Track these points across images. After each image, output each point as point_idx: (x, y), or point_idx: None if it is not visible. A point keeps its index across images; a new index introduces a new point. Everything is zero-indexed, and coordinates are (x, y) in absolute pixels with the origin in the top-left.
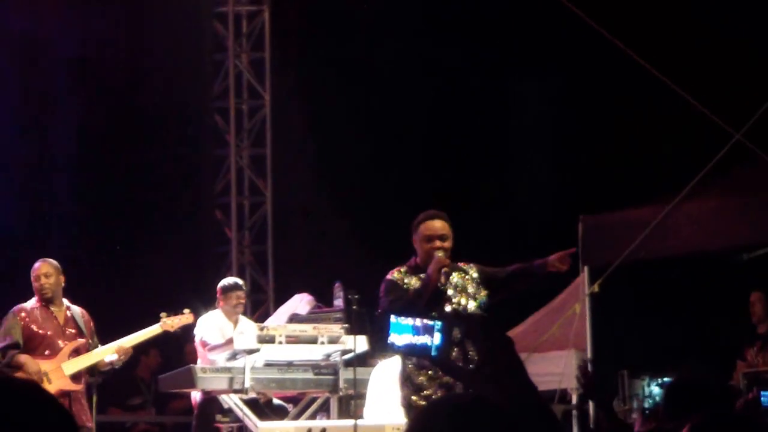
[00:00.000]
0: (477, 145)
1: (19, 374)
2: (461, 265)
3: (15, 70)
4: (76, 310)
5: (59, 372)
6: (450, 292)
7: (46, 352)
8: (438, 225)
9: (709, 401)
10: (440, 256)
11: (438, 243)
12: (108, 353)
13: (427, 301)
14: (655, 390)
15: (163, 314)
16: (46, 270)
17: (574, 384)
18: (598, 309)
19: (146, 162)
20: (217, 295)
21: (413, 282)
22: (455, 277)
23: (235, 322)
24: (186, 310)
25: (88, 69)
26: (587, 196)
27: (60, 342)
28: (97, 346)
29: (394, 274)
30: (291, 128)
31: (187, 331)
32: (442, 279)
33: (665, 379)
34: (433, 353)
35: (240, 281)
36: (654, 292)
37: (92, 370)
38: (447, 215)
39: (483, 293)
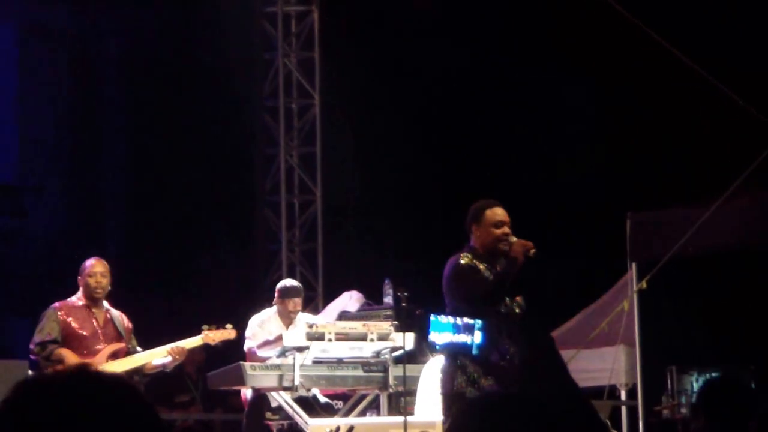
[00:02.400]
0: (524, 143)
1: (59, 368)
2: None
3: (65, 71)
4: (116, 314)
5: None
6: None
7: (84, 352)
8: (502, 212)
9: (745, 399)
10: (524, 242)
11: (506, 228)
12: (150, 358)
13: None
14: None
15: (204, 327)
16: (102, 269)
17: (623, 380)
18: (647, 305)
19: (196, 161)
20: (276, 294)
21: (482, 267)
22: None
23: (288, 324)
24: (228, 326)
25: (138, 69)
26: (635, 193)
27: (97, 343)
28: (135, 350)
29: (464, 260)
30: (340, 127)
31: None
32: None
33: (714, 374)
34: (474, 352)
35: (299, 285)
36: (702, 289)
37: (137, 373)
38: None
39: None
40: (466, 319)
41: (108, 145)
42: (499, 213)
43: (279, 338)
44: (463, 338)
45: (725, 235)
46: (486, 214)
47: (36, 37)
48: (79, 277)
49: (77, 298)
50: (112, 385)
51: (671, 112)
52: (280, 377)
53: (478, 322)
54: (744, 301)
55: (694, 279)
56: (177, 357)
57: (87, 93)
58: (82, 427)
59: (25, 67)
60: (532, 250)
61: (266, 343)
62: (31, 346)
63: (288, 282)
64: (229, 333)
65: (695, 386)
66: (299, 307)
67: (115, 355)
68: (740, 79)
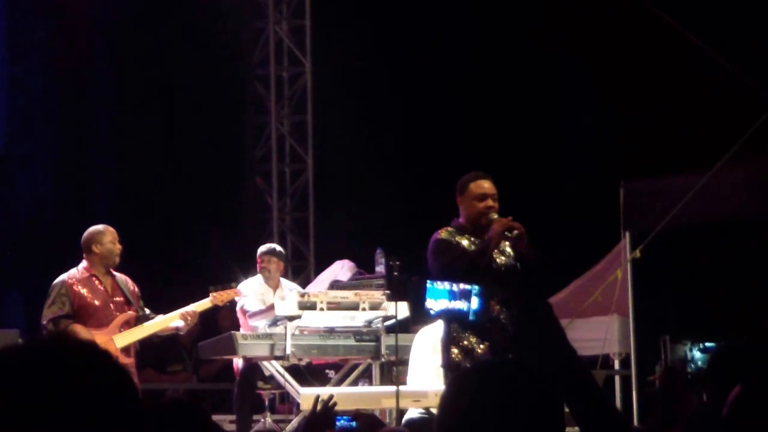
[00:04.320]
0: (519, 112)
1: None
2: (509, 223)
3: (53, 39)
4: (121, 278)
5: (111, 345)
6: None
7: (97, 324)
8: (488, 185)
9: (755, 368)
10: (503, 219)
11: (490, 201)
12: (162, 326)
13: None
14: (698, 355)
15: (211, 288)
16: (117, 236)
17: (617, 349)
18: (640, 274)
19: (187, 130)
20: (257, 259)
21: (463, 241)
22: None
23: (275, 287)
24: (233, 284)
25: (127, 37)
26: (629, 161)
27: (109, 312)
28: (144, 312)
29: (443, 234)
30: (331, 95)
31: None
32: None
33: (707, 344)
34: (471, 317)
35: (273, 246)
36: (696, 258)
37: (151, 336)
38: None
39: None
40: (462, 285)
41: (96, 115)
42: (483, 186)
43: (271, 307)
44: (459, 305)
45: (720, 204)
46: (470, 186)
47: (24, 7)
48: (94, 245)
49: (83, 269)
50: (88, 353)
51: (666, 81)
52: (272, 346)
53: (475, 288)
54: (738, 270)
55: (688, 248)
56: (190, 320)
57: (75, 62)
58: (56, 395)
59: (12, 36)
60: (515, 231)
61: (258, 313)
62: (44, 322)
63: (263, 245)
64: (234, 292)
65: (689, 356)
66: (273, 266)
67: (127, 324)
68: (734, 47)
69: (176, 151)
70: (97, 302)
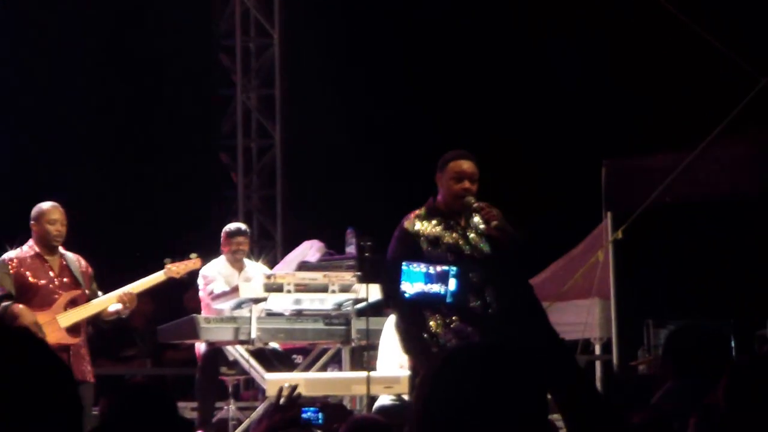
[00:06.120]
0: (501, 89)
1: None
2: (484, 212)
3: (17, 8)
4: (71, 258)
5: (54, 324)
6: (471, 235)
7: (40, 304)
8: (467, 165)
9: (712, 349)
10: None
11: (467, 183)
12: (110, 303)
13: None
14: None
15: (167, 260)
16: (62, 216)
17: (598, 333)
18: (622, 256)
19: (150, 102)
20: (222, 238)
21: (429, 228)
22: (477, 219)
23: (240, 269)
24: (193, 255)
25: (93, 5)
26: (611, 139)
27: (54, 293)
28: (96, 294)
29: (406, 224)
30: (300, 68)
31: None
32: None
33: None
34: (449, 299)
35: (242, 226)
36: (679, 239)
37: (96, 320)
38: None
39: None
40: (439, 267)
41: (63, 85)
42: (462, 166)
43: (235, 289)
44: (436, 288)
45: (704, 184)
46: (449, 166)
47: None
48: (33, 223)
49: (29, 248)
50: (18, 340)
51: (650, 57)
52: (236, 330)
53: (453, 269)
54: (723, 251)
55: (671, 229)
56: (128, 303)
57: (41, 30)
58: None
59: None
60: (494, 222)
61: (222, 295)
62: None
63: (229, 225)
64: (193, 263)
65: None
66: (243, 246)
67: (73, 302)
68: (721, 25)
69: (140, 124)
70: (39, 282)
